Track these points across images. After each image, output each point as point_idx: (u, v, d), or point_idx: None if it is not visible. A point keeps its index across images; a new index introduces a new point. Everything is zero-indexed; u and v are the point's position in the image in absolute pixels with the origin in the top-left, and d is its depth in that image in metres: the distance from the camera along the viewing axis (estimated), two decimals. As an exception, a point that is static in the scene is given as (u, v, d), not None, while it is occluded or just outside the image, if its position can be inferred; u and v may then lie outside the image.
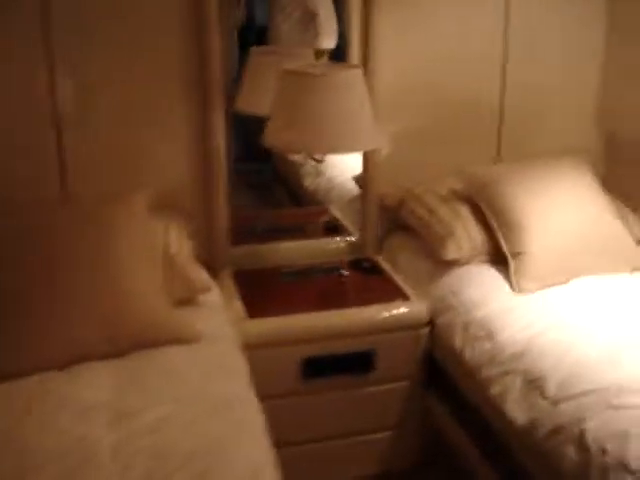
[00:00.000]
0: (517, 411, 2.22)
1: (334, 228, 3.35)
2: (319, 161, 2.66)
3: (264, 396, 2.48)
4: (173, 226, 2.70)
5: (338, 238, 3.26)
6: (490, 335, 2.46)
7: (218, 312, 2.60)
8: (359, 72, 2.56)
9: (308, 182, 3.48)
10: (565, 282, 2.70)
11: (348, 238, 3.26)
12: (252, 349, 2.54)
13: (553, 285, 2.68)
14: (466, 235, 2.81)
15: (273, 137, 2.59)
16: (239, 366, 2.28)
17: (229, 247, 3.03)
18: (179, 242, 2.66)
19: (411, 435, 2.93)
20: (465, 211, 2.91)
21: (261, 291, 2.87)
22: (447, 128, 3.26)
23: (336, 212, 3.40)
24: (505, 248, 2.75)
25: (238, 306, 2.73)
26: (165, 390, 2.08)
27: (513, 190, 2.82)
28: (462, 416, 2.64)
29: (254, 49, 3.05)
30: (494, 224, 2.81)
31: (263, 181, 3.59)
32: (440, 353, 2.74)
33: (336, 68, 2.62)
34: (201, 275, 2.60)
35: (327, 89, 2.47)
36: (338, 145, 2.52)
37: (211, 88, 2.79)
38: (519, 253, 2.70)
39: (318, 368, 2.70)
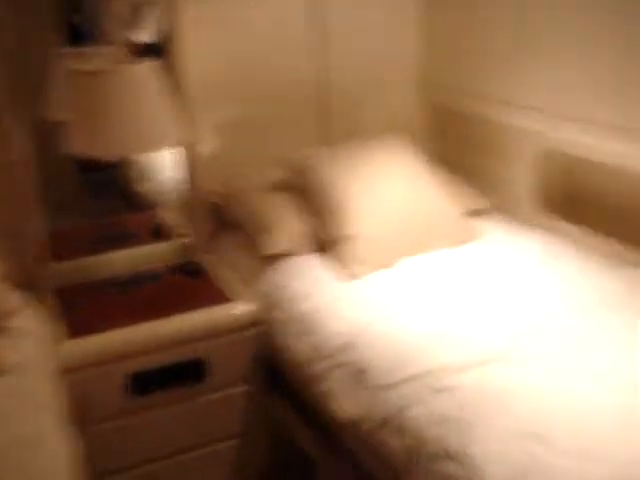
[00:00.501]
0: (346, 405, 2.13)
1: (165, 232, 3.17)
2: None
3: (92, 420, 2.35)
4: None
5: (167, 242, 3.08)
6: (315, 329, 2.36)
7: (30, 337, 2.39)
8: (152, 66, 2.40)
9: (139, 186, 3.29)
10: (392, 264, 2.63)
11: (178, 241, 3.07)
12: (74, 372, 2.39)
13: (380, 268, 2.60)
14: (289, 226, 2.71)
15: (71, 143, 2.41)
16: (48, 398, 2.07)
17: (49, 264, 2.81)
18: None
19: (259, 441, 2.80)
20: (288, 201, 2.81)
21: (85, 307, 2.69)
22: (270, 117, 3.15)
23: (168, 215, 3.22)
24: (328, 234, 2.65)
25: (58, 327, 2.53)
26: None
27: (332, 173, 2.72)
28: (305, 416, 2.51)
29: (63, 51, 2.83)
30: (316, 210, 2.70)
31: (107, 190, 3.38)
32: (273, 352, 2.61)
33: (127, 63, 2.44)
34: (6, 299, 2.39)
35: (115, 86, 2.35)
36: (134, 146, 2.39)
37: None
38: (342, 238, 2.60)
39: (147, 383, 2.54)
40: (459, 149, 3.27)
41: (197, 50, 2.89)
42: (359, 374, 2.12)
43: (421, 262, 2.62)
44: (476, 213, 2.95)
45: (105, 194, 3.39)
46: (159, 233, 3.14)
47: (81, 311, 2.65)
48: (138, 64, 2.43)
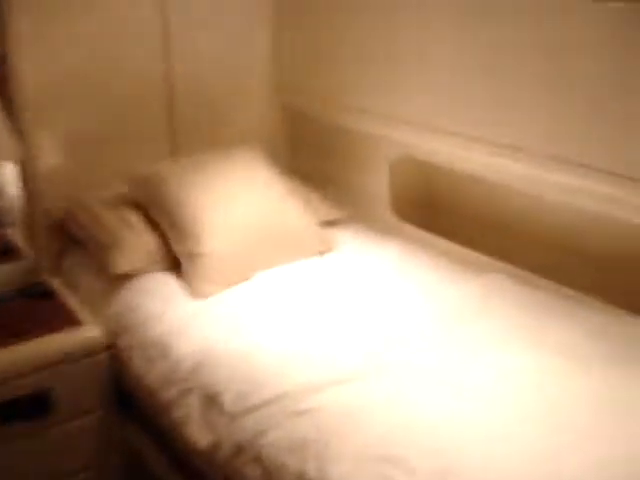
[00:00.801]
0: (199, 433, 2.01)
1: (13, 252, 2.94)
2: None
3: None
4: None
5: (13, 264, 2.85)
6: (166, 352, 2.23)
7: None
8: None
9: None
10: (246, 279, 2.52)
11: (24, 262, 2.85)
12: None
13: (234, 284, 2.49)
14: (136, 243, 2.56)
15: None
16: None
17: None
18: None
19: (113, 472, 2.62)
20: (134, 217, 2.66)
21: None
22: (114, 128, 2.98)
23: (15, 234, 2.99)
24: (179, 251, 2.52)
25: None
26: None
27: (180, 187, 2.60)
28: (162, 443, 2.36)
29: None
30: (165, 226, 2.56)
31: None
32: (125, 380, 2.45)
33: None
34: None
35: None
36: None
37: None
38: (193, 255, 2.48)
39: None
40: (316, 157, 3.22)
41: (34, 64, 2.70)
42: (212, 399, 2.01)
43: (276, 276, 2.54)
44: (332, 223, 2.89)
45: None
46: (7, 253, 2.92)
47: None
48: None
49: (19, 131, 2.61)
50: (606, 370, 1.93)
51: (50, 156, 2.77)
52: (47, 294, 2.67)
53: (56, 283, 2.75)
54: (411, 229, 2.82)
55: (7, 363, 2.35)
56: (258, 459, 1.80)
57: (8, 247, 2.90)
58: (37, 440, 2.44)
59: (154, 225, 2.62)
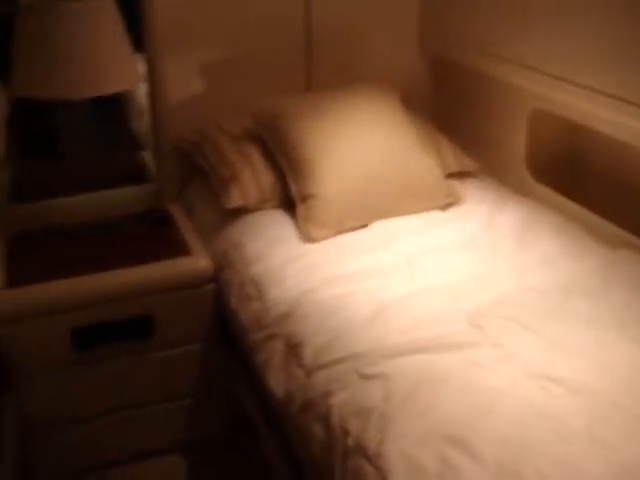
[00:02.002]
0: (277, 381, 1.97)
1: (138, 176, 3.00)
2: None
3: (34, 373, 2.36)
4: None
5: (136, 188, 2.91)
6: (261, 294, 2.19)
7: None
8: (104, 3, 2.19)
9: (133, 124, 3.13)
10: (363, 226, 2.42)
11: (147, 187, 2.90)
12: (13, 322, 2.30)
13: (348, 231, 2.41)
14: (253, 179, 2.52)
15: (17, 83, 2.25)
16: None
17: (7, 206, 2.67)
18: None
19: (212, 401, 2.67)
20: (255, 151, 2.61)
21: (33, 255, 2.56)
22: (247, 61, 2.92)
23: (148, 158, 3.05)
24: (293, 191, 2.46)
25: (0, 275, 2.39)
26: None
27: (304, 124, 2.51)
28: (253, 382, 2.36)
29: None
30: (283, 163, 2.51)
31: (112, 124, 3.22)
32: (225, 314, 2.45)
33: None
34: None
35: (60, 24, 2.13)
36: (80, 87, 2.19)
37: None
38: (307, 196, 2.41)
39: (91, 338, 2.40)
40: (455, 104, 3.05)
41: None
42: (294, 349, 1.96)
43: (392, 226, 2.43)
44: (462, 175, 2.72)
45: (115, 129, 3.22)
46: (136, 177, 2.97)
47: (27, 259, 2.51)
48: (85, 1, 2.21)
49: (150, 60, 2.60)
50: None
51: (180, 86, 2.74)
52: (165, 221, 2.70)
53: (175, 210, 2.77)
54: (545, 190, 2.61)
55: (117, 285, 2.40)
56: (324, 418, 1.73)
57: (140, 170, 2.94)
58: (141, 361, 2.50)
59: (274, 161, 2.55)
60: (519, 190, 2.66)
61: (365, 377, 1.74)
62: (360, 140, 2.49)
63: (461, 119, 2.99)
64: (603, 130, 2.33)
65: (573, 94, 2.43)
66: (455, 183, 2.65)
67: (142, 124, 3.02)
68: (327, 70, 2.99)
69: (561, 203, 2.57)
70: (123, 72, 2.27)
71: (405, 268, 2.18)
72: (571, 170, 2.71)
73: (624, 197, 2.52)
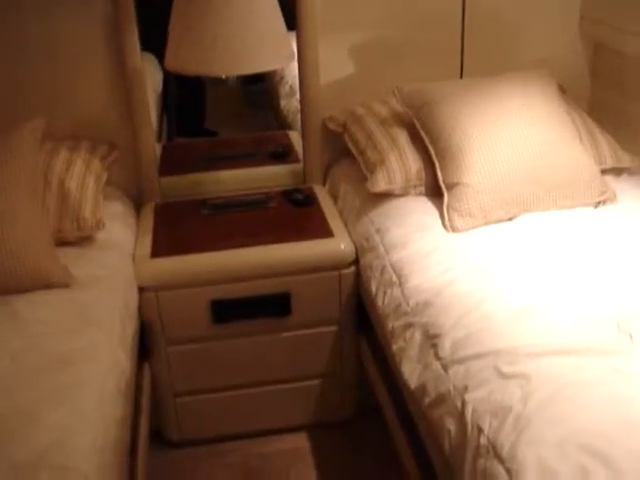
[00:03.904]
0: (411, 372, 1.93)
1: (283, 155, 3.01)
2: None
3: (173, 341, 2.42)
4: (81, 156, 2.46)
5: (282, 166, 2.92)
6: (401, 281, 2.14)
7: (114, 251, 2.35)
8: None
9: (283, 103, 3.15)
10: (509, 219, 2.34)
11: (293, 167, 2.91)
12: (154, 291, 2.37)
13: (494, 223, 2.33)
14: (400, 163, 2.47)
15: (170, 58, 2.29)
16: (105, 316, 2.01)
17: (156, 178, 2.75)
18: (85, 174, 2.41)
19: (344, 384, 2.66)
20: (403, 135, 2.57)
21: (177, 226, 2.62)
22: (405, 42, 2.87)
23: (295, 137, 3.06)
24: (440, 178, 2.40)
25: (145, 244, 2.47)
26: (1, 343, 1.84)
27: (455, 110, 2.44)
28: (385, 368, 2.33)
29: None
30: (431, 150, 2.45)
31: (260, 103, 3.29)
32: (364, 298, 2.42)
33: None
34: (95, 212, 2.34)
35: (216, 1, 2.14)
36: (234, 64, 2.21)
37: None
38: (454, 184, 2.35)
39: (229, 311, 2.44)
40: (613, 95, 2.88)
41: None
42: (431, 340, 1.91)
43: (541, 221, 2.33)
44: (619, 171, 2.58)
45: (263, 107, 3.27)
46: (283, 155, 2.98)
47: (173, 230, 2.57)
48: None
49: (302, 39, 2.59)
50: None
51: (331, 67, 2.73)
52: (309, 200, 2.69)
53: (320, 191, 2.77)
54: None
55: (258, 262, 2.42)
56: (458, 414, 1.68)
57: (286, 149, 2.94)
58: (277, 338, 2.52)
59: (422, 146, 2.49)
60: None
61: (504, 375, 1.68)
62: (512, 129, 2.40)
63: (621, 112, 2.83)
64: None
65: None
66: (610, 179, 2.52)
67: (292, 103, 3.02)
68: (481, 56, 2.90)
69: None
70: (276, 50, 2.26)
71: (553, 265, 2.08)
72: None
73: None
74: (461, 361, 1.78)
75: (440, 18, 2.82)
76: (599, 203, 2.42)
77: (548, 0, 2.92)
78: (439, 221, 2.34)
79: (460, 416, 1.67)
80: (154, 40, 2.49)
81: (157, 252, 2.42)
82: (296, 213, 2.64)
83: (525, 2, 2.89)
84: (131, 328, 2.15)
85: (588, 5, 2.92)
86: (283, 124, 3.16)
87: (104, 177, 2.53)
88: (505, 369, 1.69)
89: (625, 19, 2.75)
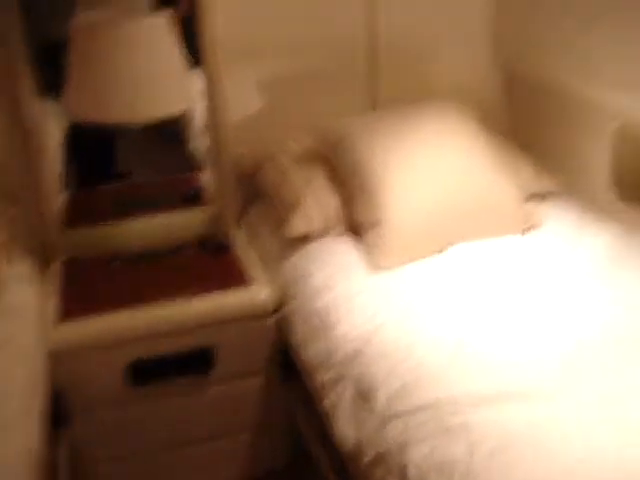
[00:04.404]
0: (345, 430, 1.81)
1: (196, 198, 2.86)
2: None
3: (90, 407, 2.25)
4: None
5: (195, 212, 2.78)
6: (328, 330, 2.02)
7: (20, 314, 2.16)
8: (160, 21, 2.07)
9: (194, 143, 3.00)
10: (435, 253, 2.25)
11: (207, 211, 2.76)
12: (66, 355, 2.20)
13: (419, 258, 2.23)
14: (317, 204, 2.36)
15: (68, 105, 2.14)
16: (10, 386, 1.84)
17: (62, 232, 2.57)
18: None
19: (275, 434, 2.54)
20: (320, 174, 2.46)
21: (87, 284, 2.45)
22: (309, 78, 2.78)
23: (206, 180, 2.91)
24: (360, 217, 2.29)
25: (53, 305, 2.28)
26: None
27: (370, 145, 2.35)
28: (318, 417, 2.20)
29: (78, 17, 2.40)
30: (349, 187, 2.35)
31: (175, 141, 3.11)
32: (290, 348, 2.30)
33: (132, 18, 2.12)
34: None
35: (112, 44, 2.01)
36: (134, 110, 2.06)
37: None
38: (375, 222, 2.24)
39: (148, 372, 2.28)
40: (534, 122, 2.85)
41: (226, 14, 2.49)
42: (365, 394, 1.79)
43: (468, 253, 2.25)
44: (542, 196, 2.53)
45: (172, 150, 3.10)
46: (196, 199, 2.84)
47: (84, 287, 2.41)
48: (148, 17, 2.09)
49: (208, 77, 2.47)
50: None
51: (240, 104, 2.61)
52: (226, 247, 2.56)
53: (237, 236, 2.63)
54: (634, 211, 2.40)
55: (174, 317, 2.28)
56: (400, 474, 1.56)
57: (199, 192, 2.80)
58: (200, 395, 2.37)
59: (340, 185, 2.39)
60: (604, 211, 2.44)
61: (446, 428, 1.57)
62: (431, 161, 2.33)
63: (540, 137, 2.80)
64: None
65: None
66: (535, 205, 2.45)
67: (203, 143, 2.88)
68: (394, 87, 2.83)
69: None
70: (178, 92, 2.15)
71: (485, 300, 2.00)
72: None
73: None
74: (399, 415, 1.67)
75: (348, 50, 2.75)
76: (526, 229, 2.35)
77: (460, 29, 2.87)
78: (363, 261, 2.23)
79: (402, 476, 1.55)
80: (58, 83, 2.33)
81: (66, 313, 2.26)
82: (212, 262, 2.51)
83: (437, 31, 2.84)
84: (41, 397, 1.97)
85: (501, 31, 2.87)
86: (196, 165, 3.01)
87: (3, 236, 2.34)
88: (446, 421, 1.59)
89: (539, 44, 2.72)
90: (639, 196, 2.45)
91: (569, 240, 2.29)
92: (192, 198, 2.83)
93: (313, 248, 2.33)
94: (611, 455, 1.46)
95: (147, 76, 2.09)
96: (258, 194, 2.66)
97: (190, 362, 2.31)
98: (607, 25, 2.40)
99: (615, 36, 2.39)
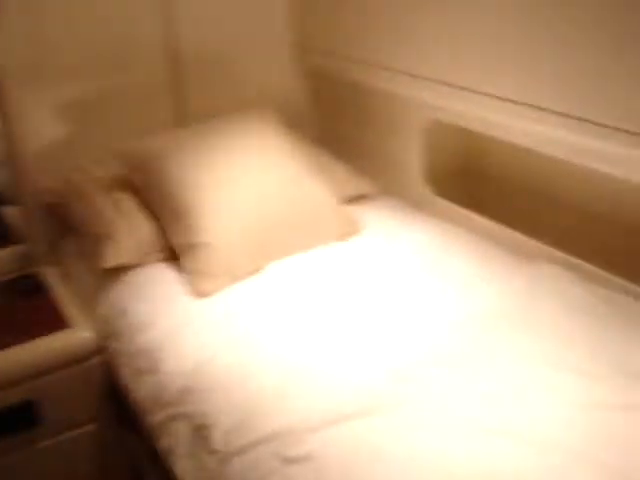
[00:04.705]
0: (184, 472, 1.69)
1: (3, 237, 2.65)
2: None
3: None
4: None
5: (2, 250, 2.57)
6: (155, 367, 1.90)
7: None
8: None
9: None
10: (258, 271, 2.16)
11: (15, 249, 2.56)
12: None
13: (243, 278, 2.14)
14: (129, 232, 2.23)
15: None
16: None
17: None
18: None
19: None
20: (129, 200, 2.33)
21: None
22: (112, 93, 2.64)
23: (14, 214, 2.70)
24: (176, 241, 2.18)
25: None
26: None
27: (179, 164, 2.25)
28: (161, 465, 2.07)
29: None
30: (160, 211, 2.23)
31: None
32: (119, 389, 2.15)
33: None
34: None
35: None
36: None
37: None
38: (192, 245, 2.14)
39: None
40: (344, 123, 2.85)
41: (17, 35, 2.34)
42: (201, 431, 1.68)
43: (291, 266, 2.19)
44: (361, 198, 2.52)
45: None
46: (2, 237, 2.63)
47: None
48: None
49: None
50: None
51: (39, 131, 2.43)
52: (38, 288, 2.39)
53: (49, 275, 2.46)
54: (447, 204, 2.43)
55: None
56: (246, 516, 1.46)
57: (5, 229, 2.60)
58: (28, 453, 2.17)
59: (151, 209, 2.26)
60: (420, 206, 2.45)
61: (289, 460, 1.51)
62: (242, 176, 2.26)
63: (352, 137, 2.79)
64: (500, 135, 2.16)
65: (468, 101, 2.25)
66: (353, 208, 2.44)
67: (4, 175, 2.68)
68: (203, 100, 2.73)
69: (465, 216, 2.39)
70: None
71: (309, 315, 1.95)
72: (469, 179, 2.54)
73: (527, 202, 2.36)
74: (238, 452, 1.58)
75: (147, 63, 2.63)
76: (346, 235, 2.32)
77: (261, 29, 2.84)
78: (183, 289, 2.12)
79: (250, 518, 1.46)
80: None
81: None
82: (24, 306, 2.33)
83: (237, 35, 2.79)
84: None
85: (301, 33, 2.84)
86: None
87: None
88: (288, 453, 1.52)
89: (344, 45, 2.70)
90: (450, 189, 2.48)
91: (389, 241, 2.29)
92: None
93: (131, 280, 2.20)
94: (457, 461, 1.43)
95: None
96: (69, 227, 2.48)
97: (11, 420, 2.12)
98: (412, 21, 2.40)
99: (419, 34, 2.40)
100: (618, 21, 1.78)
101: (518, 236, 2.25)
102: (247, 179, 2.26)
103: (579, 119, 1.91)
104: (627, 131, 1.82)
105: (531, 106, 2.06)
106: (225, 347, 1.88)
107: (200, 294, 2.08)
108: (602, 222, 2.30)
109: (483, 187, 2.55)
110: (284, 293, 2.07)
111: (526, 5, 2.00)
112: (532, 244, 2.20)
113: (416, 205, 2.49)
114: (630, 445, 1.45)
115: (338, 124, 2.87)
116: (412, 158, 2.52)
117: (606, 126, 1.86)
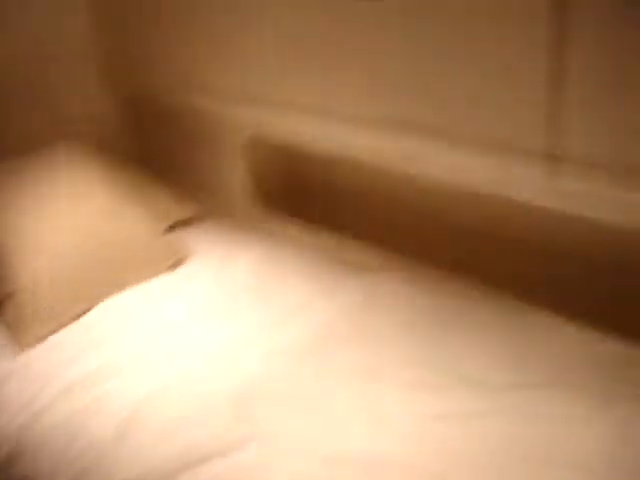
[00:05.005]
0: None
1: None
2: None
3: None
4: None
5: None
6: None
7: None
8: None
9: None
10: (84, 314, 2.04)
11: None
12: None
13: (70, 322, 2.02)
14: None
15: None
16: None
17: None
18: None
19: None
20: None
21: None
22: None
23: None
24: (-10, 293, 2.03)
25: None
26: None
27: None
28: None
29: None
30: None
31: None
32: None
33: None
34: None
35: None
36: None
37: None
38: (9, 294, 2.00)
39: None
40: (166, 146, 2.75)
41: None
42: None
43: (115, 307, 2.08)
44: (187, 223, 2.43)
45: None
46: None
47: None
48: None
49: None
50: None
51: None
52: None
53: None
54: (279, 221, 2.40)
55: None
56: None
57: None
58: None
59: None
60: (250, 226, 2.41)
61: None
62: (55, 213, 2.14)
63: (176, 160, 2.71)
64: (324, 149, 2.15)
65: (288, 117, 2.22)
66: (179, 235, 2.36)
67: None
68: (6, 134, 2.53)
69: (298, 233, 2.37)
70: None
71: (144, 355, 1.84)
72: (300, 196, 2.52)
73: (351, 212, 2.36)
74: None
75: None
76: (173, 265, 2.23)
77: (66, 58, 2.71)
78: (5, 341, 1.98)
79: None
80: None
81: None
82: None
83: (40, 60, 2.61)
84: None
85: (107, 53, 2.73)
86: None
87: None
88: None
89: (148, 65, 2.61)
90: (275, 202, 2.44)
91: (217, 268, 2.21)
92: None
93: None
94: None
95: None
96: None
97: None
98: (207, 38, 2.34)
99: (221, 49, 2.35)
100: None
101: (353, 248, 2.23)
102: (58, 216, 2.15)
103: (395, 124, 1.92)
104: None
105: (347, 116, 2.05)
106: (53, 402, 1.75)
107: (23, 345, 1.95)
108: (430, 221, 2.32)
109: (310, 202, 2.52)
110: (112, 335, 1.97)
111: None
112: (369, 254, 2.18)
113: (246, 225, 2.43)
114: (462, 453, 1.44)
115: (162, 147, 2.78)
116: (238, 177, 2.47)
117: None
